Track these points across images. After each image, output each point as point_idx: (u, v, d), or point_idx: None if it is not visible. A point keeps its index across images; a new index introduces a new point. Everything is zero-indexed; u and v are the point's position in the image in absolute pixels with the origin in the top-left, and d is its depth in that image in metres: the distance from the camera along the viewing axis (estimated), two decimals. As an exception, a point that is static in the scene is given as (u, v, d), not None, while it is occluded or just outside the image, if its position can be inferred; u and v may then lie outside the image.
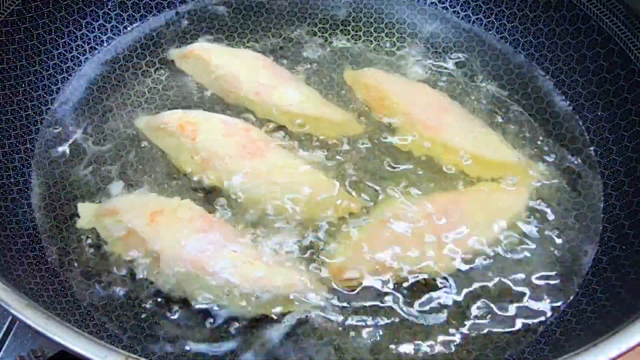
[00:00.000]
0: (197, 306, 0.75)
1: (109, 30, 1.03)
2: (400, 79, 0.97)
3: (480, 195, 0.84)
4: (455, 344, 0.74)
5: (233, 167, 0.84)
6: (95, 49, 1.01)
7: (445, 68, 1.00)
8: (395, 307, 0.76)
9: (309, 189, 0.83)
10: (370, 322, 0.75)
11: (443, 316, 0.75)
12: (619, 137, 0.90)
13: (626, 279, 0.76)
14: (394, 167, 0.87)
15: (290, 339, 0.73)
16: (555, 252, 0.81)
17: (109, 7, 1.03)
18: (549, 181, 0.87)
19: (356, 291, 0.77)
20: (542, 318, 0.76)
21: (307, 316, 0.75)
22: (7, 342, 0.79)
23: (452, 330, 0.75)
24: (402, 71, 0.99)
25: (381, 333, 0.74)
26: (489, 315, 0.76)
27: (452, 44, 1.04)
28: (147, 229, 0.77)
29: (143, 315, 0.75)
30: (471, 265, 0.79)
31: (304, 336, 0.74)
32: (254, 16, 1.07)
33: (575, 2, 0.97)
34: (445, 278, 0.78)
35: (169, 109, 0.93)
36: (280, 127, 0.91)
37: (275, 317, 0.74)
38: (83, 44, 1.00)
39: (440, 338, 0.74)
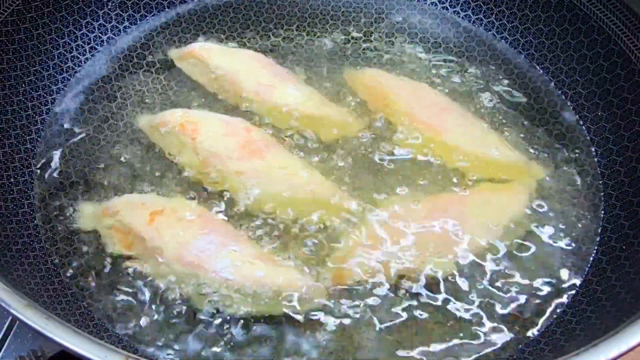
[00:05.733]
0: (197, 306, 0.75)
1: (109, 30, 1.03)
2: (400, 79, 0.97)
3: (480, 195, 0.84)
4: (455, 344, 0.74)
5: (233, 167, 0.84)
6: (95, 48, 1.01)
7: (445, 68, 1.00)
8: (395, 308, 0.76)
9: (309, 189, 0.83)
10: (369, 322, 0.75)
11: (443, 317, 0.75)
12: (619, 137, 0.90)
13: (626, 279, 0.76)
14: (394, 168, 0.87)
15: (290, 339, 0.73)
16: (555, 252, 0.81)
17: (109, 7, 1.03)
18: (549, 181, 0.87)
19: (356, 292, 0.76)
20: (542, 318, 0.76)
21: (307, 316, 0.75)
22: (7, 342, 0.79)
23: (452, 331, 0.75)
24: (402, 71, 0.99)
25: (381, 333, 0.74)
26: (489, 315, 0.76)
27: (452, 44, 1.04)
28: (147, 229, 0.77)
29: (143, 315, 0.75)
30: (471, 266, 0.79)
31: (304, 336, 0.74)
32: (254, 16, 1.07)
33: (575, 2, 0.97)
34: (445, 279, 0.78)
35: (169, 108, 0.93)
36: (281, 127, 0.91)
37: (275, 317, 0.74)
38: (83, 44, 1.00)
39: (440, 338, 0.74)
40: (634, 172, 0.86)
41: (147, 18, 1.06)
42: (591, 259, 0.81)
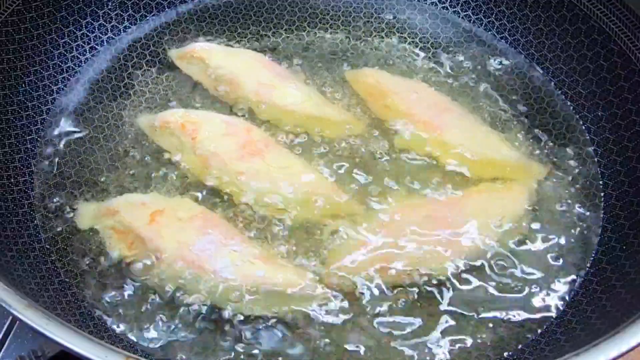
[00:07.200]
0: (197, 305, 0.75)
1: (109, 30, 1.03)
2: (400, 78, 0.97)
3: (480, 195, 0.84)
4: (455, 344, 0.74)
5: (233, 167, 0.84)
6: (95, 49, 1.01)
7: (446, 68, 1.00)
8: (394, 307, 0.76)
9: (308, 189, 0.83)
10: (369, 322, 0.75)
11: (443, 317, 0.75)
12: (619, 137, 0.90)
13: (626, 279, 0.76)
14: (393, 168, 0.87)
15: (289, 338, 0.73)
16: (555, 252, 0.81)
17: (109, 7, 1.03)
18: (549, 181, 0.87)
19: (355, 292, 0.76)
20: (542, 318, 0.76)
21: (306, 315, 0.75)
22: (7, 342, 0.79)
23: (451, 331, 0.75)
24: (402, 71, 0.99)
25: (381, 333, 0.74)
26: (489, 316, 0.76)
27: (452, 44, 1.04)
28: (147, 229, 0.77)
29: (143, 315, 0.75)
30: (471, 266, 0.79)
31: (303, 335, 0.74)
32: (254, 16, 1.07)
33: (575, 2, 0.97)
34: (444, 279, 0.78)
35: (169, 108, 0.93)
36: (281, 127, 0.91)
37: (275, 316, 0.74)
38: (83, 44, 1.00)
39: (440, 338, 0.74)
40: (634, 172, 0.86)
41: (147, 18, 1.06)
42: (591, 259, 0.81)
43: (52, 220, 0.83)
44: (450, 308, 0.76)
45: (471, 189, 0.85)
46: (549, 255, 0.81)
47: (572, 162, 0.90)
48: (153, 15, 1.06)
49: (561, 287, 0.79)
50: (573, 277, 0.80)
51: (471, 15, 1.07)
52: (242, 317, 0.74)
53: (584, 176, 0.89)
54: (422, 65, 1.00)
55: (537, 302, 0.77)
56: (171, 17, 1.07)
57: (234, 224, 0.81)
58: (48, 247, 0.80)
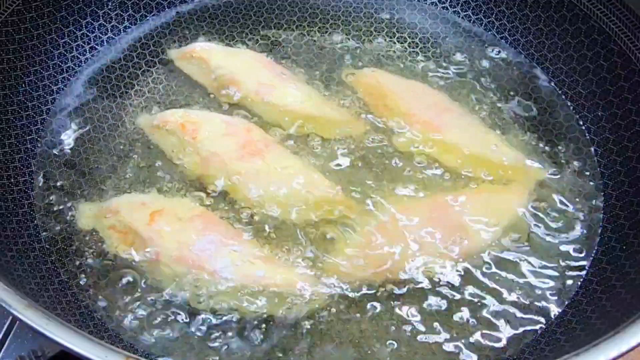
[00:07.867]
0: (197, 306, 0.75)
1: (109, 30, 1.03)
2: (400, 79, 0.97)
3: (480, 195, 0.84)
4: (454, 344, 0.74)
5: (233, 167, 0.84)
6: (95, 49, 1.01)
7: (446, 68, 1.00)
8: (395, 307, 0.76)
9: (308, 189, 0.83)
10: (369, 322, 0.75)
11: (442, 316, 0.75)
12: (619, 137, 0.90)
13: (626, 279, 0.76)
14: (393, 168, 0.87)
15: (289, 338, 0.73)
16: (555, 252, 0.81)
17: (109, 7, 1.03)
18: (549, 181, 0.87)
19: (355, 291, 0.76)
20: (542, 318, 0.76)
21: (306, 315, 0.75)
22: (7, 342, 0.79)
23: (452, 331, 0.75)
24: (402, 71, 0.99)
25: (381, 333, 0.74)
26: (489, 315, 0.76)
27: (452, 44, 1.04)
28: (147, 229, 0.77)
29: (143, 315, 0.75)
30: (471, 265, 0.79)
31: (303, 335, 0.74)
32: (254, 16, 1.07)
33: (575, 2, 0.97)
34: (444, 279, 0.78)
35: (169, 108, 0.93)
36: (281, 127, 0.91)
37: (275, 316, 0.74)
38: (83, 44, 1.00)
39: (441, 338, 0.74)
40: (634, 172, 0.86)
41: (147, 18, 1.06)
42: (591, 259, 0.81)
43: (52, 220, 0.83)
44: (450, 308, 0.76)
45: (471, 189, 0.85)
46: (548, 256, 0.81)
47: (572, 162, 0.90)
48: (153, 15, 1.06)
49: (561, 287, 0.79)
50: (573, 277, 0.80)
51: (471, 15, 1.07)
52: (241, 317, 0.74)
53: (584, 176, 0.89)
54: (422, 65, 1.00)
55: (537, 302, 0.77)
56: (171, 17, 1.07)
57: (233, 224, 0.81)
58: (48, 247, 0.81)
